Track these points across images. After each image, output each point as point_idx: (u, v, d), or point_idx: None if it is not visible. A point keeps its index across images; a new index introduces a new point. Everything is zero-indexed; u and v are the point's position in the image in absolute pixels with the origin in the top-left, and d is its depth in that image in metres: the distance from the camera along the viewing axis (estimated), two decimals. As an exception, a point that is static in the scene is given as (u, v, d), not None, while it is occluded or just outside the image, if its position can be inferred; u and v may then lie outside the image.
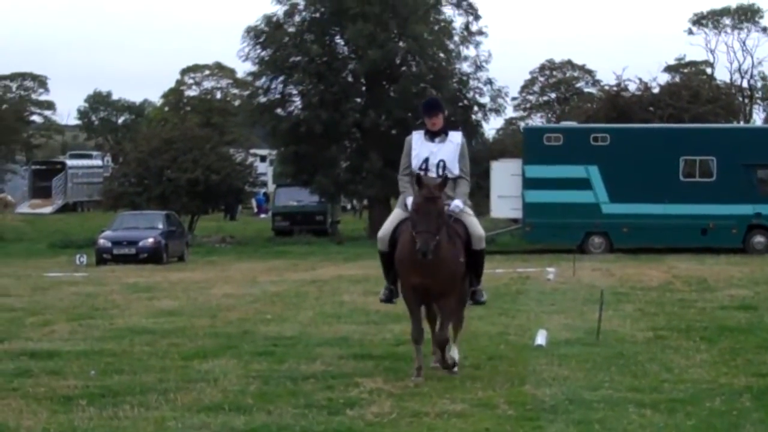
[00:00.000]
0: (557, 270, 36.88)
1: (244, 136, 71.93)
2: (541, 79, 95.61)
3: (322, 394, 13.90)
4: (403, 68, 61.01)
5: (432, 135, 14.19)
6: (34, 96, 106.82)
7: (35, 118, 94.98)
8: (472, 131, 64.92)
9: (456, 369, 15.05)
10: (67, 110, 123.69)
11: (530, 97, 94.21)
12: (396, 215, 14.29)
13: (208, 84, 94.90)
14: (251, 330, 20.50)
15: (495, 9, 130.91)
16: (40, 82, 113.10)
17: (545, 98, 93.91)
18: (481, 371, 15.70)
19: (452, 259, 13.65)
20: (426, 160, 13.91)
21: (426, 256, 12.91)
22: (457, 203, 14.10)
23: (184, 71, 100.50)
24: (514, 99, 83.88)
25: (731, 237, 48.78)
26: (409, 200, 13.95)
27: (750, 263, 40.96)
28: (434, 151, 13.94)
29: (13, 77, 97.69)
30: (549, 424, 12.12)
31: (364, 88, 62.19)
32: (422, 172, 14.13)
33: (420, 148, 14.11)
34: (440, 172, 13.84)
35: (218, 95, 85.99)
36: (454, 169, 14.11)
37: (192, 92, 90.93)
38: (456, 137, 14.34)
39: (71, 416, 12.54)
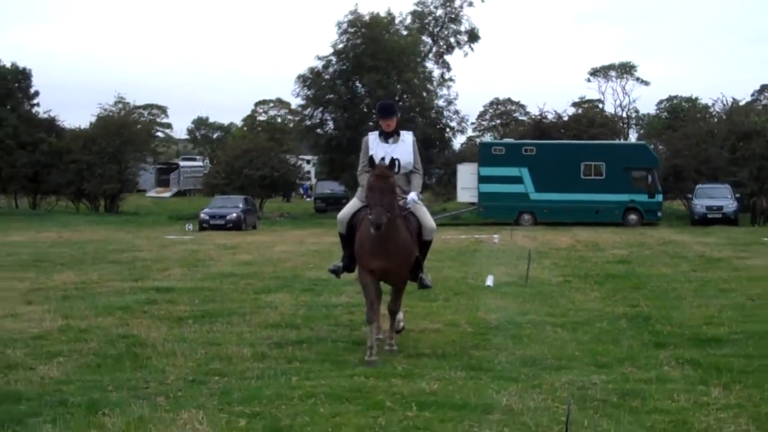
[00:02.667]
0: (500, 236, 36.80)
1: (296, 147, 71.69)
2: (490, 110, 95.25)
3: (346, 317, 13.89)
4: (400, 102, 60.81)
5: (386, 135, 11.39)
6: (158, 119, 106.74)
7: (159, 134, 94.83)
8: (445, 145, 65.31)
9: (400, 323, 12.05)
10: (180, 129, 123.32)
11: (483, 122, 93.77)
12: (354, 203, 11.46)
13: (272, 112, 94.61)
14: (299, 274, 20.48)
15: (461, 63, 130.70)
16: (162, 110, 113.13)
17: (493, 123, 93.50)
18: (449, 302, 15.66)
19: (406, 246, 10.82)
20: (383, 159, 10.96)
21: (379, 229, 10.14)
22: (412, 196, 11.21)
23: (257, 103, 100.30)
24: (472, 123, 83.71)
25: (614, 215, 48.72)
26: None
27: (626, 233, 40.87)
28: (389, 151, 11.16)
29: (145, 107, 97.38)
30: (494, 337, 12.13)
31: (374, 116, 62.07)
32: None
33: (376, 148, 11.27)
34: (396, 170, 11.00)
35: (279, 120, 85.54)
36: (408, 166, 11.34)
37: (262, 117, 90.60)
38: (407, 137, 11.51)
39: (182, 330, 12.55)
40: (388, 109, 11.66)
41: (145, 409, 8.07)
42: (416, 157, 11.41)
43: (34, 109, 63.15)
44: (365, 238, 10.71)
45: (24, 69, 62.78)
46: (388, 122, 11.36)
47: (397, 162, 11.00)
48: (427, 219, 11.35)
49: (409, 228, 10.94)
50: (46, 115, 63.35)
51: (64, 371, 9.80)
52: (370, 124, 62.03)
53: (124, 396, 8.63)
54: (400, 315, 12.02)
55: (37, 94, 63.57)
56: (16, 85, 62.40)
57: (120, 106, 64.93)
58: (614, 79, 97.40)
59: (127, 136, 61.60)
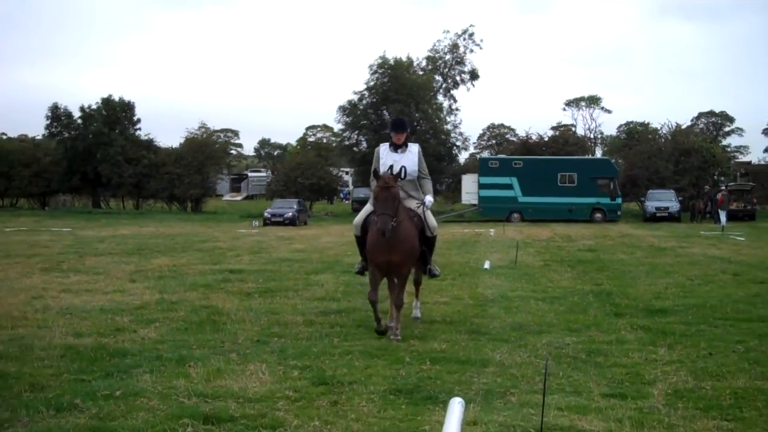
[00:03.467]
0: (495, 230, 36.73)
1: (337, 161, 71.75)
2: (488, 132, 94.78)
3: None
4: (418, 127, 60.81)
5: (396, 146, 10.46)
6: (232, 140, 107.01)
7: (232, 151, 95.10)
8: (452, 160, 65.41)
9: (418, 316, 11.10)
10: (249, 147, 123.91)
11: (482, 142, 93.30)
12: (366, 208, 10.35)
13: (319, 134, 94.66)
14: (340, 259, 20.49)
15: (464, 96, 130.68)
16: (235, 133, 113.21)
17: (490, 142, 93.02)
18: (455, 281, 15.65)
19: (410, 239, 9.80)
20: (390, 167, 10.18)
21: (385, 235, 9.25)
22: (429, 198, 10.43)
23: (308, 128, 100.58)
24: (473, 143, 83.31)
25: (584, 214, 48.46)
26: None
27: (593, 228, 40.68)
28: (397, 160, 10.32)
29: (221, 130, 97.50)
30: (489, 308, 12.09)
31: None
32: None
33: (386, 157, 10.42)
34: (402, 176, 10.06)
35: (324, 140, 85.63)
36: (414, 173, 10.40)
37: (311, 138, 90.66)
38: (414, 148, 10.56)
39: (249, 302, 12.58)
40: (401, 124, 10.67)
41: (221, 363, 8.11)
42: (422, 164, 10.50)
43: (137, 133, 63.45)
44: (374, 239, 9.70)
45: (129, 101, 63.16)
46: (399, 136, 10.40)
47: (403, 169, 10.03)
48: (430, 219, 10.43)
49: (415, 226, 10.00)
50: (146, 137, 63.66)
51: (159, 333, 9.87)
52: (384, 131, 62.55)
53: (205, 352, 8.68)
54: (418, 310, 11.15)
55: (139, 120, 63.90)
56: (123, 114, 62.77)
57: (203, 129, 65.21)
58: (584, 108, 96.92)
59: (208, 153, 61.95)
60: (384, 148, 10.53)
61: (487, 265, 18.47)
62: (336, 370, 7.83)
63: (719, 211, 43.74)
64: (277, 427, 6.07)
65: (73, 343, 9.16)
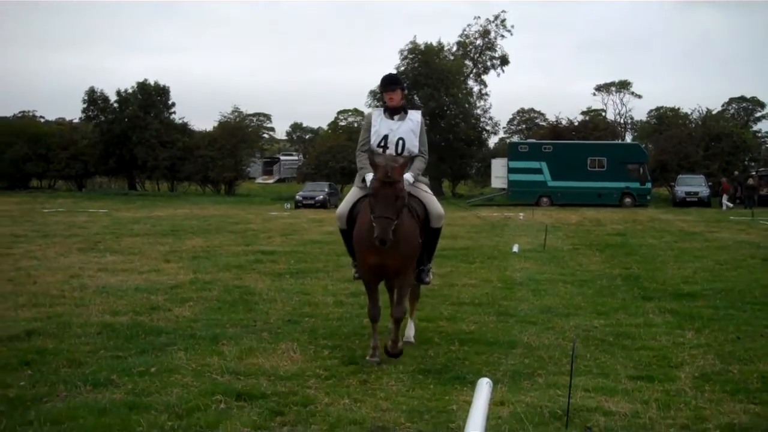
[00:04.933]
0: (524, 214, 36.59)
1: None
2: (517, 117, 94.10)
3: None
4: (447, 111, 60.62)
5: (391, 112, 7.98)
6: (264, 124, 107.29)
7: (265, 135, 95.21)
8: (482, 144, 65.03)
9: (410, 340, 8.42)
10: (281, 131, 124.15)
11: (512, 127, 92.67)
12: (353, 193, 8.14)
13: (350, 119, 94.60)
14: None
15: (495, 81, 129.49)
16: (267, 117, 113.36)
17: (519, 127, 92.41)
18: (484, 264, 15.63)
19: (410, 239, 7.57)
20: (385, 138, 7.88)
21: (384, 244, 7.09)
22: (406, 177, 7.74)
23: (339, 112, 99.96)
24: (503, 127, 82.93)
25: (613, 198, 48.02)
26: (368, 177, 7.71)
27: (622, 212, 40.35)
28: (393, 129, 7.92)
29: (254, 115, 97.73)
30: (518, 291, 12.09)
31: (427, 120, 62.05)
32: (380, 150, 7.86)
33: (380, 125, 7.97)
34: (399, 151, 7.84)
35: (355, 124, 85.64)
36: (413, 148, 7.95)
37: (342, 123, 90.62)
38: (415, 116, 8.12)
39: (281, 283, 12.66)
40: (391, 80, 8.08)
41: (253, 341, 8.18)
42: (423, 138, 8.09)
43: (172, 116, 63.77)
44: (364, 231, 7.50)
45: (164, 86, 63.46)
46: (390, 95, 7.95)
47: (401, 143, 7.86)
48: (435, 205, 8.07)
49: (415, 217, 7.75)
50: (180, 121, 63.98)
51: (193, 312, 9.97)
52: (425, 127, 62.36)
53: (238, 331, 8.76)
54: (411, 328, 8.57)
55: (173, 104, 64.19)
56: (158, 98, 63.12)
57: (236, 114, 65.37)
58: (614, 93, 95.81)
59: (240, 136, 62.24)
60: (377, 114, 8.05)
61: (515, 248, 18.41)
62: (365, 350, 7.85)
63: (724, 196, 44.32)
64: (308, 404, 6.12)
65: (110, 320, 9.28)
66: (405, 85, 8.31)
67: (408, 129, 7.95)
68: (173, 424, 5.64)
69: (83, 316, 9.52)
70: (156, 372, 6.96)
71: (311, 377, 6.87)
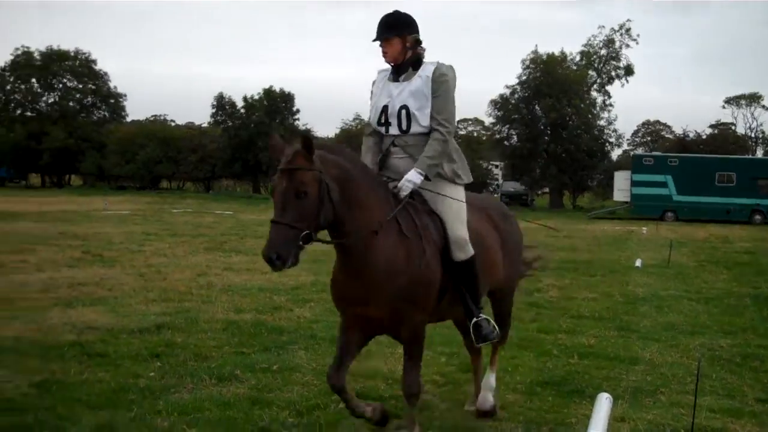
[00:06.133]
0: (648, 229, 35.58)
1: (487, 154, 71.35)
2: (642, 129, 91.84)
3: (524, 285, 13.76)
4: (570, 122, 59.75)
5: (398, 71, 5.24)
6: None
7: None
8: (604, 156, 63.65)
9: (486, 405, 6.04)
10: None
11: (636, 139, 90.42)
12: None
13: (470, 128, 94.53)
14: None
15: (619, 91, 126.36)
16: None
17: (644, 139, 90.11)
18: (605, 278, 15.29)
19: (398, 272, 4.81)
20: (384, 110, 5.23)
21: (272, 264, 4.52)
22: (409, 177, 5.07)
23: (459, 121, 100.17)
24: (627, 139, 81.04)
25: (742, 215, 46.22)
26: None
27: (751, 230, 38.68)
28: (394, 95, 5.20)
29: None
30: (640, 306, 11.78)
31: (548, 131, 61.25)
32: (382, 129, 5.31)
33: (380, 93, 5.32)
34: (404, 127, 5.18)
35: (475, 134, 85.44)
36: (423, 120, 5.13)
37: (462, 132, 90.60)
38: (428, 70, 5.17)
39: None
40: (386, 23, 5.19)
41: (371, 345, 8.21)
42: (441, 102, 5.12)
43: (296, 122, 65.31)
44: (337, 270, 5.17)
45: (289, 93, 65.07)
46: (385, 48, 5.18)
47: (403, 112, 5.17)
48: (453, 224, 5.17)
49: (420, 238, 4.97)
50: (304, 127, 65.45)
51: (314, 313, 10.15)
52: (546, 138, 61.58)
53: (357, 334, 8.86)
54: (490, 389, 6.14)
55: (298, 111, 65.75)
56: (283, 104, 64.73)
57: (357, 120, 66.38)
58: (744, 106, 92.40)
59: (357, 143, 63.19)
60: (381, 78, 5.44)
61: (638, 263, 17.94)
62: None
63: None
64: (425, 409, 6.15)
65: (234, 318, 9.57)
66: (412, 28, 5.22)
67: (413, 90, 5.19)
68: (294, 420, 5.78)
69: (209, 313, 9.85)
70: (278, 369, 7.14)
71: (428, 383, 6.89)
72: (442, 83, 5.14)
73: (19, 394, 6.24)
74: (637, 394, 6.78)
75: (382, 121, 5.29)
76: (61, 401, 6.03)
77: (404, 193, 5.06)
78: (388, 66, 5.32)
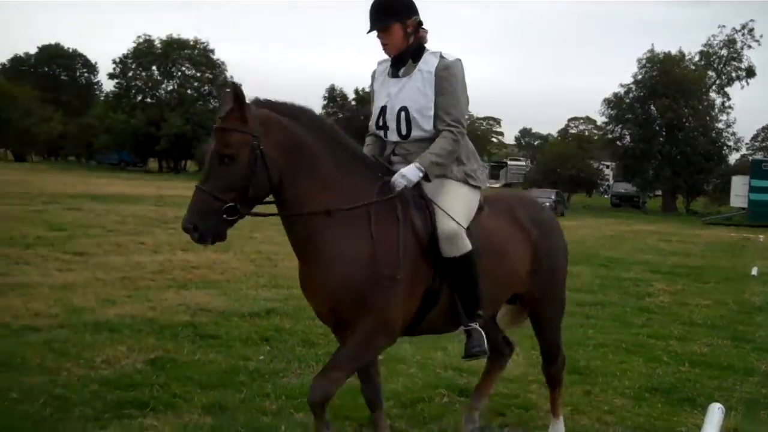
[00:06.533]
0: (765, 237, 34.22)
1: (599, 154, 70.14)
2: (763, 133, 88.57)
3: (633, 289, 13.45)
4: (686, 123, 58.11)
5: (397, 63, 4.49)
6: (494, 128, 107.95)
7: (493, 139, 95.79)
8: (721, 160, 61.58)
9: None
10: (509, 136, 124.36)
11: (756, 143, 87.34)
12: None
13: (581, 127, 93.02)
14: (597, 252, 19.82)
15: (739, 93, 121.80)
16: (497, 121, 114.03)
17: (763, 144, 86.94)
18: (719, 285, 14.84)
19: (351, 261, 4.07)
20: (383, 112, 4.53)
21: (190, 235, 3.92)
22: (405, 172, 4.31)
23: (570, 119, 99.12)
24: (746, 143, 78.32)
25: None
26: None
27: None
28: (393, 94, 4.47)
29: (484, 118, 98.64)
30: (756, 316, 11.40)
31: (663, 132, 59.67)
32: (381, 132, 4.62)
33: (379, 90, 4.63)
34: (404, 132, 4.47)
35: (586, 133, 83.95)
36: (424, 123, 4.42)
37: (573, 130, 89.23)
38: (430, 63, 4.39)
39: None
40: (379, 8, 4.44)
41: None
42: (450, 101, 4.47)
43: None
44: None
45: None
46: (384, 39, 4.47)
47: (402, 114, 4.49)
48: (445, 220, 4.37)
49: (393, 226, 4.23)
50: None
51: (419, 307, 10.18)
52: (660, 139, 59.92)
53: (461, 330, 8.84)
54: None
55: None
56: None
57: (467, 117, 66.46)
58: None
59: (470, 139, 63.25)
60: (381, 70, 4.75)
61: (755, 271, 17.29)
62: (590, 361, 7.71)
63: None
64: (530, 408, 6.11)
65: (341, 307, 9.69)
66: (412, 9, 4.48)
67: (413, 88, 4.49)
68: (398, 411, 5.83)
69: (317, 301, 10.01)
70: (383, 360, 7.18)
71: (533, 382, 6.83)
72: (448, 79, 4.45)
73: (135, 370, 6.49)
74: (752, 406, 6.55)
75: (380, 124, 4.63)
76: (174, 379, 6.25)
77: (396, 189, 4.32)
78: (388, 56, 4.60)
